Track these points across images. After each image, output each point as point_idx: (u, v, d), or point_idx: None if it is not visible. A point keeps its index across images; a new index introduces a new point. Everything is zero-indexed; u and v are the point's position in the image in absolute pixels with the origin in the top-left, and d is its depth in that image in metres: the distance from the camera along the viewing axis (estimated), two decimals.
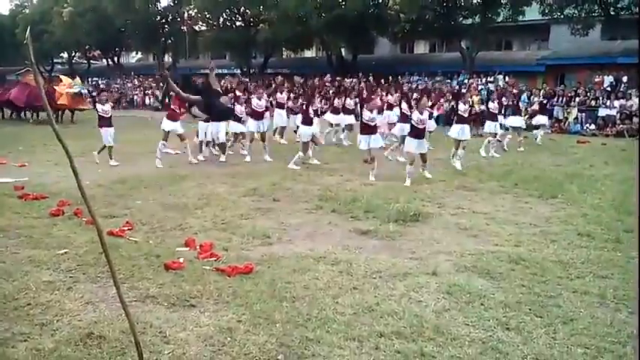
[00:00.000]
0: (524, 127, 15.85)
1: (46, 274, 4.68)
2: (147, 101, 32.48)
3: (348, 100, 15.35)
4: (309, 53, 39.58)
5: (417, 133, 9.18)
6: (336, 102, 14.51)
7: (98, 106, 10.93)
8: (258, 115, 11.78)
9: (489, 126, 12.97)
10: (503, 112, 14.44)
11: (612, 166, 11.37)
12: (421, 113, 9.16)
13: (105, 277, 4.58)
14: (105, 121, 10.91)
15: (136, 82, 38.46)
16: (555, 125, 20.07)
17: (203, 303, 4.11)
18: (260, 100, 11.96)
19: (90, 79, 40.50)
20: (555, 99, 21.25)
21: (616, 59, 23.00)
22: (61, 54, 50.35)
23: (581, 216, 6.90)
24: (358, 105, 15.08)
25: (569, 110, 19.32)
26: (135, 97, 34.71)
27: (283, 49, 38.56)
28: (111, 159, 10.88)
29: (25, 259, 5.06)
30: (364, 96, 10.16)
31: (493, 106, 13.22)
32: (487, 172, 10.32)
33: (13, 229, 6.10)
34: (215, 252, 5.25)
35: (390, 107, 18.34)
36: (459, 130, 10.94)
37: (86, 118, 21.08)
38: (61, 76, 23.92)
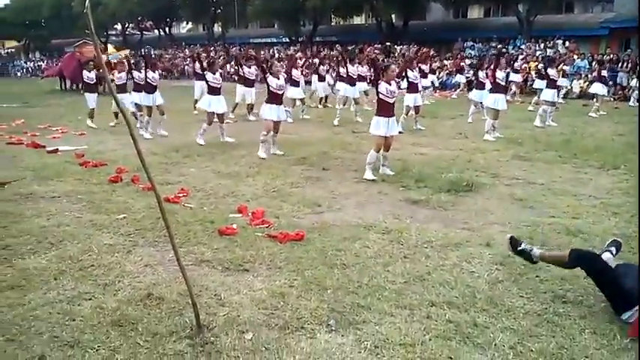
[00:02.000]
0: (607, 95, 15.42)
1: (107, 238, 4.89)
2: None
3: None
4: (358, 20, 38.93)
5: (387, 109, 7.11)
6: (342, 71, 13.46)
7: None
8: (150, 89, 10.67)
9: (549, 94, 12.23)
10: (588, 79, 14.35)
11: None
12: (389, 83, 7.08)
13: (162, 241, 4.75)
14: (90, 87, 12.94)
15: (187, 52, 39.02)
16: (619, 93, 19.08)
17: (256, 268, 4.19)
18: (141, 72, 10.80)
19: (143, 50, 41.44)
20: (619, 65, 20.12)
21: None
22: (115, 25, 51.61)
23: None
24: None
25: (633, 77, 18.26)
26: (186, 67, 35.16)
27: (332, 16, 38.06)
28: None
29: (87, 223, 5.30)
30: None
31: (553, 72, 12.51)
32: (544, 141, 9.94)
33: (75, 194, 6.39)
34: (267, 219, 5.33)
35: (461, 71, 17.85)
36: (495, 100, 10.16)
37: None
38: (109, 45, 24.67)
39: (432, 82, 18.55)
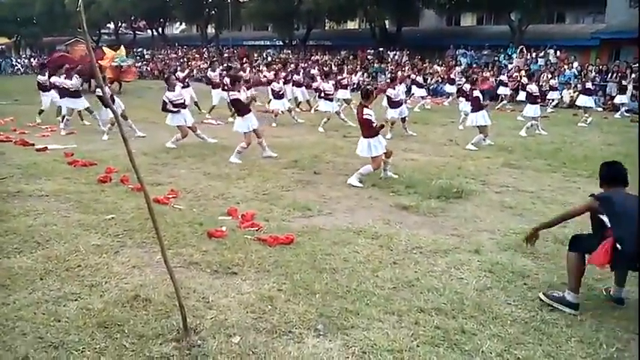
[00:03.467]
0: (594, 106, 15.59)
1: (95, 238, 4.85)
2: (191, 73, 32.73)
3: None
4: (352, 25, 38.98)
5: (376, 130, 7.25)
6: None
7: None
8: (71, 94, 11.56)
9: (530, 110, 12.27)
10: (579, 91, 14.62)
11: None
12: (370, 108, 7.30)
13: (150, 242, 4.72)
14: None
15: (180, 53, 38.90)
16: (608, 103, 19.26)
17: (245, 271, 4.17)
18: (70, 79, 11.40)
19: (135, 50, 41.22)
20: (609, 75, 20.35)
21: None
22: (108, 24, 51.27)
23: None
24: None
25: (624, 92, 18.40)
26: (178, 67, 35.03)
27: (326, 20, 38.07)
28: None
29: (75, 223, 5.25)
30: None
31: (533, 88, 12.63)
32: (534, 149, 10.01)
33: (63, 193, 6.34)
34: (256, 222, 5.31)
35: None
36: (482, 117, 10.17)
37: (129, 88, 21.55)
38: (104, 49, 24.05)
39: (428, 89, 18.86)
